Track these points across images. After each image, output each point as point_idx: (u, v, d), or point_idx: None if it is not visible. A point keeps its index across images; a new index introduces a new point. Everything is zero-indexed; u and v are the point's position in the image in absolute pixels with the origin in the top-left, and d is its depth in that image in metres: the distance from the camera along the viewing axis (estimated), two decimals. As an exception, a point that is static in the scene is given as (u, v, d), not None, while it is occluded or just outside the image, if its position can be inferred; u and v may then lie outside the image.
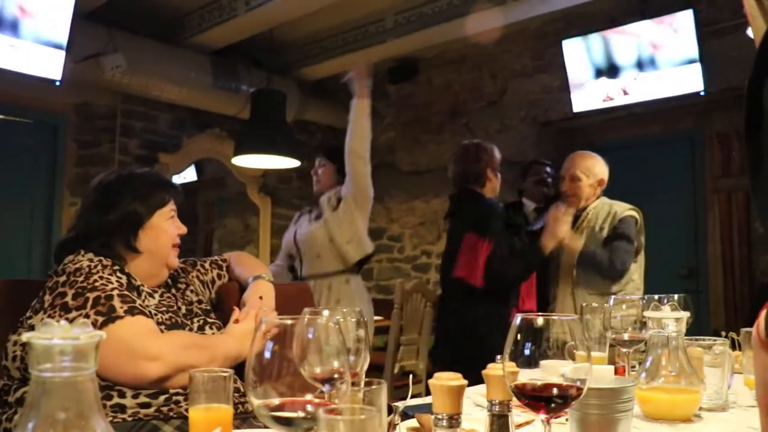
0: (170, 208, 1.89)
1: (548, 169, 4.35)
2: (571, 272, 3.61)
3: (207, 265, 2.14)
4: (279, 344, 0.85)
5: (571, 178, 3.63)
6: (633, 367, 1.92)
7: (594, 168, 3.63)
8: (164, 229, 1.86)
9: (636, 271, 3.58)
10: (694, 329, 2.06)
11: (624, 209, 3.57)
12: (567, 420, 1.38)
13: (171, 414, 1.59)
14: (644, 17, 5.08)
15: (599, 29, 5.32)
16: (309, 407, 0.83)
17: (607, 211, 3.59)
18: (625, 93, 5.25)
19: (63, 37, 4.74)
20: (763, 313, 0.73)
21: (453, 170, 3.79)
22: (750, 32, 3.32)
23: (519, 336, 0.97)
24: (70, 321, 0.69)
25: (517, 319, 0.98)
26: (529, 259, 3.54)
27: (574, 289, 3.58)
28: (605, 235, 3.54)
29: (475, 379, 1.31)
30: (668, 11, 4.94)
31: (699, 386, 1.56)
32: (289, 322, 0.86)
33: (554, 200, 4.15)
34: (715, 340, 1.75)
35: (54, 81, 4.79)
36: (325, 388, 0.86)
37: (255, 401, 0.83)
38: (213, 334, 1.85)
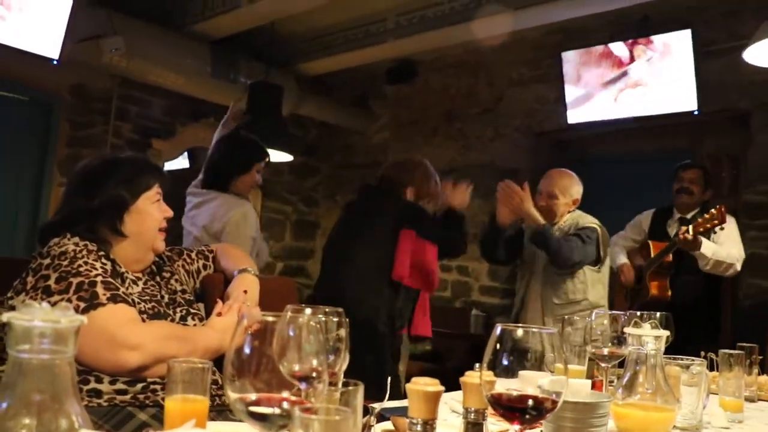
0: (155, 192, 1.88)
1: (692, 175, 4.17)
2: (540, 280, 3.75)
3: (193, 255, 2.14)
4: (259, 340, 0.85)
5: (548, 195, 3.77)
6: (611, 382, 1.93)
7: (571, 188, 3.78)
8: (149, 212, 1.86)
9: (593, 287, 3.68)
10: (676, 349, 2.07)
11: (588, 221, 3.69)
12: None
13: (147, 402, 1.59)
14: (642, 35, 5.09)
15: (597, 43, 5.34)
16: (285, 404, 0.83)
17: (576, 223, 3.71)
18: (620, 108, 5.27)
19: (63, 17, 4.72)
20: None
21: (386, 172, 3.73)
22: (746, 54, 3.29)
23: (498, 345, 0.97)
24: (52, 305, 0.69)
25: (497, 329, 0.98)
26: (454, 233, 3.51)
27: (543, 297, 3.72)
28: None
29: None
30: (666, 30, 4.96)
31: (674, 405, 1.57)
32: (270, 318, 0.86)
33: (702, 209, 4.00)
34: (693, 360, 1.76)
35: (52, 60, 4.76)
36: (303, 386, 0.86)
37: (232, 395, 0.84)
38: (195, 324, 1.84)
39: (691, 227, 3.61)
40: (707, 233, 3.65)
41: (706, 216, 3.59)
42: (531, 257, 3.85)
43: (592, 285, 3.67)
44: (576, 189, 3.79)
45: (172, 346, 1.59)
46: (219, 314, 1.82)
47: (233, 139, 3.69)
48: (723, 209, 3.57)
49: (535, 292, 3.78)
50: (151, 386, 1.59)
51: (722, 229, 3.68)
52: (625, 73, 5.22)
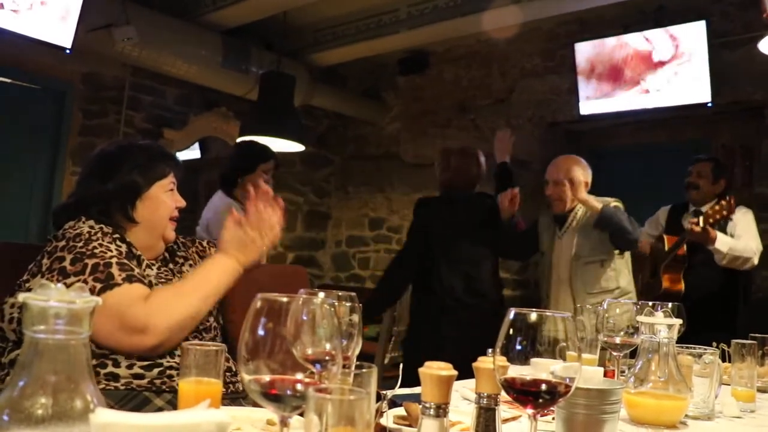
0: (170, 181, 1.88)
1: (699, 168, 4.13)
2: (568, 270, 3.72)
3: (205, 243, 2.15)
4: (273, 322, 0.85)
5: (555, 183, 3.75)
6: (622, 371, 1.92)
7: (576, 172, 3.74)
8: (162, 200, 1.85)
9: (622, 273, 3.68)
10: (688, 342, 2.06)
11: (610, 201, 3.68)
12: (554, 419, 1.39)
13: (163, 387, 1.59)
14: (657, 25, 5.06)
15: (612, 34, 5.31)
16: (299, 386, 0.83)
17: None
18: (634, 99, 5.24)
19: (76, 6, 4.73)
20: None
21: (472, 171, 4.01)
22: (761, 46, 3.23)
23: (511, 331, 0.97)
24: (68, 286, 0.69)
25: (511, 313, 0.98)
26: None
27: (573, 287, 3.68)
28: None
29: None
30: (681, 21, 4.93)
31: (686, 394, 1.57)
32: (284, 299, 0.86)
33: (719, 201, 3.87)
34: (705, 350, 1.75)
35: (64, 49, 4.77)
36: (316, 368, 0.87)
37: (246, 376, 0.84)
38: (212, 309, 1.83)
39: (701, 218, 3.58)
40: (716, 224, 3.61)
41: (717, 207, 3.56)
42: (550, 248, 3.83)
43: (621, 271, 3.66)
44: (583, 172, 3.76)
45: (178, 310, 1.59)
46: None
47: (242, 144, 3.97)
48: (732, 200, 3.54)
49: (563, 283, 3.75)
50: (168, 371, 1.60)
51: (731, 219, 3.65)
52: (639, 64, 5.19)
